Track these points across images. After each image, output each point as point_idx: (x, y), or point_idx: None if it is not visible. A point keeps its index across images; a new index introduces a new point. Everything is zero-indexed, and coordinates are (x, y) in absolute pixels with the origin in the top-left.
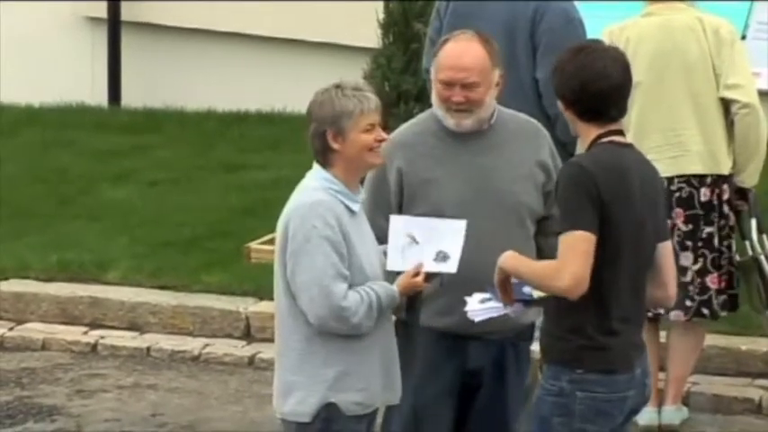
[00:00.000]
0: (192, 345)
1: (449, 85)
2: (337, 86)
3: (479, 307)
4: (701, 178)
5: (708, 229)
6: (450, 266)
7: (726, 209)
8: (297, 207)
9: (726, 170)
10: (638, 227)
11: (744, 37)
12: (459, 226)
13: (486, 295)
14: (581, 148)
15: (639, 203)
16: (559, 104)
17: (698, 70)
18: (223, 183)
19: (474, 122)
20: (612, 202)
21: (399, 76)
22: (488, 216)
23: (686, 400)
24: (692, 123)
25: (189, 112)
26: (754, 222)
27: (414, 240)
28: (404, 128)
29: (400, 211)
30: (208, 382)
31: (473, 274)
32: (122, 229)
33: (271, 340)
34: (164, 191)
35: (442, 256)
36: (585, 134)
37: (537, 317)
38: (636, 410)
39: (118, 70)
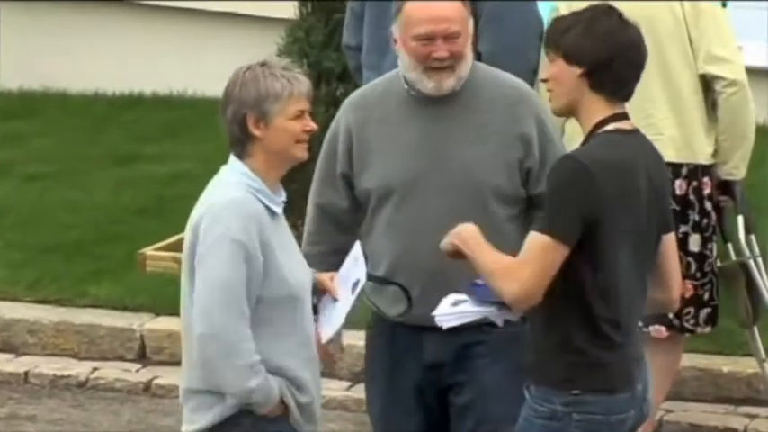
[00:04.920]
0: (78, 369)
1: (429, 39)
2: (263, 65)
3: (451, 311)
4: (675, 168)
5: (683, 228)
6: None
7: (708, 205)
8: (210, 206)
9: (704, 159)
10: (642, 225)
11: (724, 5)
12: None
13: (462, 297)
14: (573, 127)
15: (646, 198)
16: (558, 66)
17: (672, 43)
18: (114, 177)
19: (455, 82)
20: (615, 201)
21: (320, 52)
22: (442, 196)
23: (659, 429)
24: (664, 104)
25: (73, 94)
26: (740, 220)
27: (334, 300)
28: (364, 87)
29: (348, 181)
30: (96, 412)
31: (424, 259)
32: None
33: (169, 363)
34: (44, 187)
35: (354, 283)
36: (590, 110)
37: (517, 317)
38: (633, 430)
39: None
